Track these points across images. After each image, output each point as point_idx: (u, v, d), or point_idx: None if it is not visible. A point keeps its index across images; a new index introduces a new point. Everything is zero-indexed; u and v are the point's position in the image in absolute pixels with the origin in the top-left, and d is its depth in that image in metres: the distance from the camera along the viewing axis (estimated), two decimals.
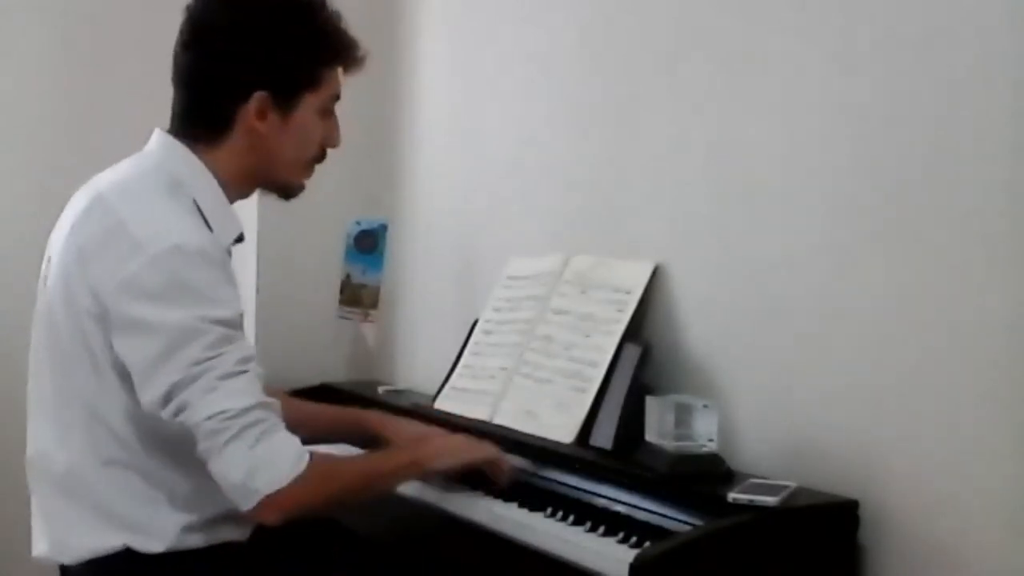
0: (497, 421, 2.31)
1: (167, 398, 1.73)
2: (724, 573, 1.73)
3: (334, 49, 1.95)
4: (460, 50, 2.93)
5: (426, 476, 2.06)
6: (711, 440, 1.94)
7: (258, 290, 3.06)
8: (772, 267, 2.04)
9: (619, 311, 2.20)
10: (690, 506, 1.84)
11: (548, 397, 2.23)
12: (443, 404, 2.47)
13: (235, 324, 1.78)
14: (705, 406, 1.95)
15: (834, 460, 1.90)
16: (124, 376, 1.78)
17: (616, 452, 2.06)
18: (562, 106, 2.55)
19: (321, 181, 2.04)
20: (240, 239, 1.94)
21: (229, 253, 1.89)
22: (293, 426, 1.80)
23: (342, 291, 2.95)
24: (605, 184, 2.41)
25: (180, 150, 1.89)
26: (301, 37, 1.91)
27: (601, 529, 1.86)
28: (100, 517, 1.81)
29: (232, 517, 1.81)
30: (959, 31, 1.75)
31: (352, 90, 2.02)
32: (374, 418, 2.28)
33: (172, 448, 1.79)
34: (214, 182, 1.89)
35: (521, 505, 2.00)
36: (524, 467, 2.13)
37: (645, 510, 1.89)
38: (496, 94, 2.78)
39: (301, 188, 2.01)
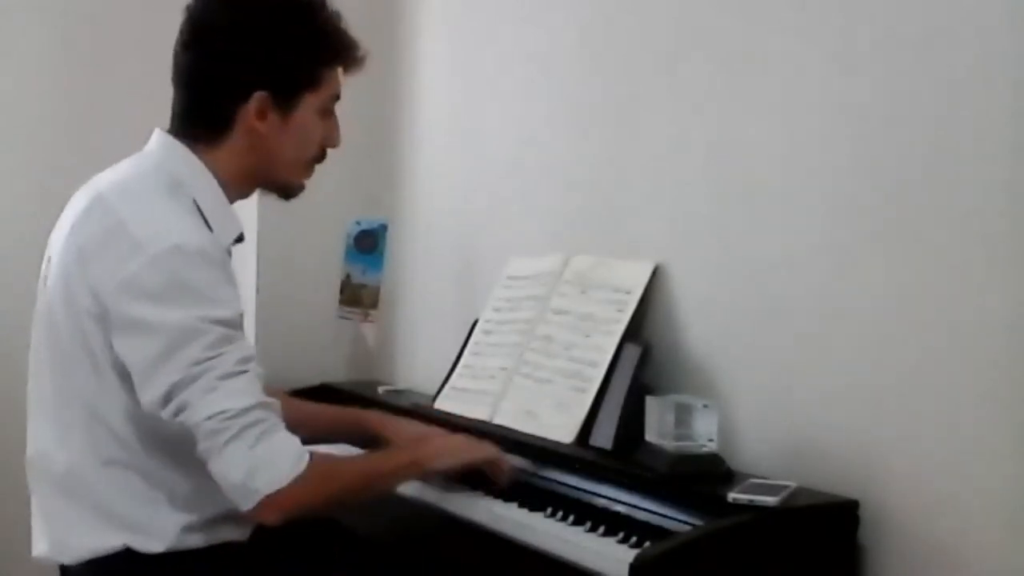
0: (497, 421, 2.31)
1: (167, 398, 1.73)
2: (724, 573, 1.73)
3: (334, 49, 1.95)
4: (460, 50, 2.93)
5: (426, 476, 2.06)
6: (711, 440, 1.94)
7: (258, 290, 3.06)
8: (772, 267, 2.04)
9: (619, 311, 2.20)
10: (690, 506, 1.84)
11: (548, 397, 2.23)
12: (443, 404, 2.47)
13: (235, 324, 1.78)
14: (705, 406, 1.95)
15: (834, 460, 1.90)
16: (124, 376, 1.78)
17: (616, 452, 2.06)
18: (562, 106, 2.55)
19: (321, 181, 2.04)
20: (240, 239, 1.94)
21: (229, 253, 1.89)
22: (293, 426, 1.80)
23: (342, 291, 2.95)
24: (605, 184, 2.41)
25: (180, 150, 1.89)
26: (301, 37, 1.91)
27: (601, 529, 1.86)
28: (100, 517, 1.81)
29: (232, 517, 1.81)
30: (959, 31, 1.75)
31: (352, 90, 2.02)
32: (374, 418, 2.28)
33: (172, 448, 1.79)
34: (214, 182, 1.89)
35: (521, 505, 2.00)
36: (524, 467, 2.13)
37: (645, 510, 1.89)
38: (496, 94, 2.77)
39: (301, 188, 2.01)
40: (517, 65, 2.70)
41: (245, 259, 2.97)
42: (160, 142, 1.92)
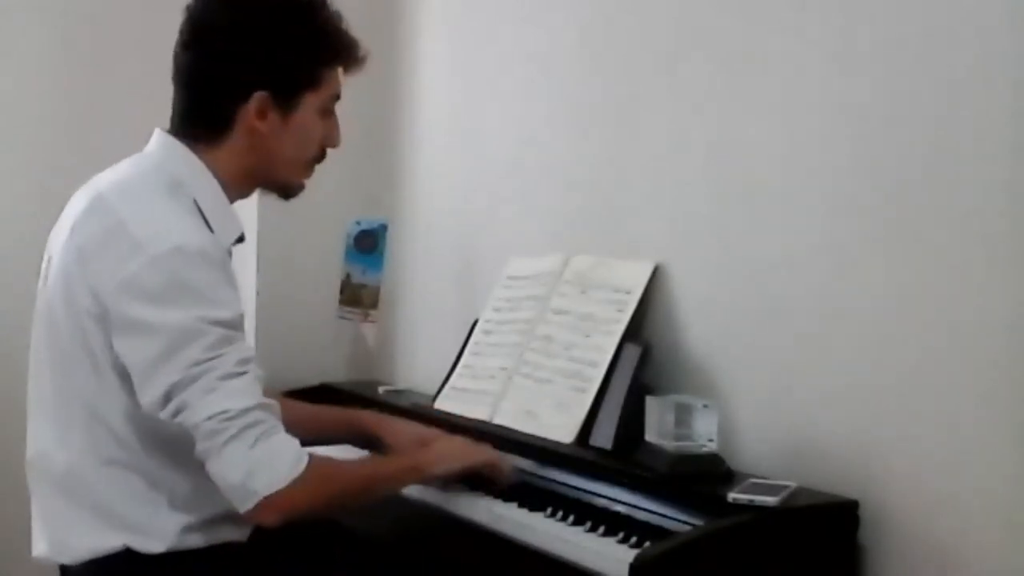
0: (497, 421, 2.31)
1: (166, 398, 1.73)
2: (724, 573, 1.73)
3: (334, 49, 1.95)
4: (460, 50, 2.93)
5: (426, 481, 2.05)
6: (711, 440, 1.94)
7: (258, 290, 3.06)
8: (772, 267, 2.04)
9: (619, 311, 2.20)
10: (690, 506, 1.84)
11: (548, 397, 2.23)
12: (443, 404, 2.47)
13: (235, 325, 1.78)
14: (705, 406, 1.95)
15: (834, 460, 1.90)
16: (124, 376, 1.78)
17: (616, 452, 2.06)
18: (562, 106, 2.55)
19: (321, 181, 2.04)
20: (241, 239, 1.94)
21: (229, 253, 1.89)
22: (291, 428, 1.80)
23: (342, 291, 2.95)
24: (605, 184, 2.41)
25: (180, 150, 1.89)
26: (301, 37, 1.91)
27: (601, 529, 1.86)
28: (100, 517, 1.81)
29: (232, 517, 1.81)
30: (959, 31, 1.75)
31: (352, 90, 2.02)
32: (371, 419, 2.28)
33: (172, 448, 1.79)
34: (214, 182, 1.89)
35: (521, 505, 2.00)
36: (524, 467, 2.13)
37: (645, 510, 1.89)
38: (496, 94, 2.77)
39: (301, 188, 2.01)
40: (517, 65, 2.70)
41: (245, 259, 2.97)
42: (160, 142, 1.92)
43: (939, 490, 1.76)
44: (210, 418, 1.71)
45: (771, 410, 2.02)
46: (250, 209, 2.62)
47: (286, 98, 1.90)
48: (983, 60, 1.72)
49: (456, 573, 2.09)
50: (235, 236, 1.91)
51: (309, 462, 1.76)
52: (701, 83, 2.19)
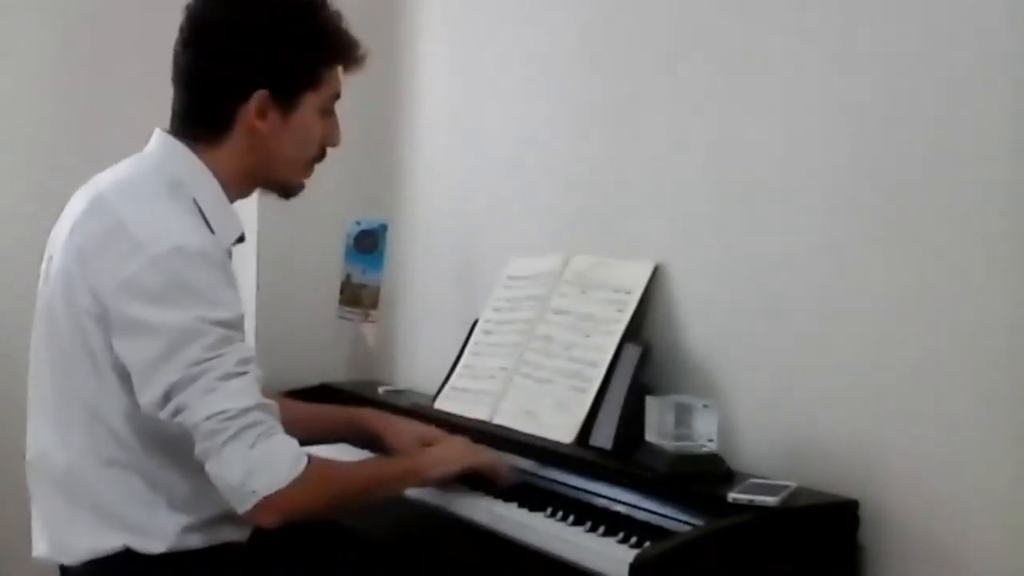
0: (497, 421, 2.31)
1: (166, 398, 1.73)
2: (724, 573, 1.72)
3: (334, 48, 1.95)
4: (460, 50, 2.93)
5: (425, 484, 2.05)
6: (711, 440, 1.94)
7: (258, 290, 3.06)
8: (772, 267, 2.03)
9: (619, 311, 2.20)
10: (690, 506, 1.84)
11: (548, 397, 2.23)
12: (443, 404, 2.47)
13: (235, 325, 1.78)
14: (705, 406, 1.95)
15: (834, 460, 1.90)
16: (124, 376, 1.78)
17: (616, 452, 2.06)
18: (562, 106, 2.55)
19: (321, 181, 2.04)
20: (241, 239, 1.94)
21: (229, 253, 1.89)
22: (292, 427, 1.80)
23: (342, 291, 2.95)
24: (605, 184, 2.41)
25: (180, 150, 1.89)
26: (301, 36, 1.91)
27: (601, 529, 1.86)
28: (100, 517, 1.81)
29: (232, 518, 1.81)
30: (959, 31, 1.75)
31: (352, 90, 2.02)
32: (371, 417, 2.28)
33: (172, 449, 1.79)
34: (214, 182, 1.89)
35: (521, 505, 2.00)
36: (524, 467, 2.13)
37: (645, 510, 1.89)
38: (496, 94, 2.77)
39: (301, 188, 2.01)
40: (517, 65, 2.69)
41: (245, 259, 2.97)
42: (160, 142, 1.92)
43: (939, 490, 1.76)
44: (209, 418, 1.71)
45: (771, 410, 2.02)
46: (250, 209, 2.62)
47: (286, 98, 1.90)
48: (983, 60, 1.72)
49: (456, 573, 2.09)
50: (235, 236, 1.91)
51: (308, 463, 1.76)
52: (701, 83, 2.19)
